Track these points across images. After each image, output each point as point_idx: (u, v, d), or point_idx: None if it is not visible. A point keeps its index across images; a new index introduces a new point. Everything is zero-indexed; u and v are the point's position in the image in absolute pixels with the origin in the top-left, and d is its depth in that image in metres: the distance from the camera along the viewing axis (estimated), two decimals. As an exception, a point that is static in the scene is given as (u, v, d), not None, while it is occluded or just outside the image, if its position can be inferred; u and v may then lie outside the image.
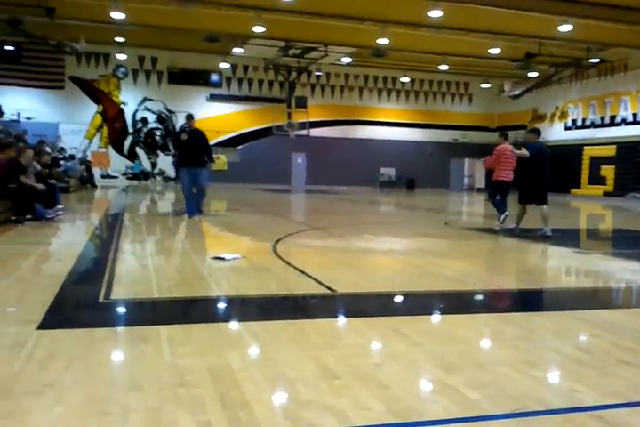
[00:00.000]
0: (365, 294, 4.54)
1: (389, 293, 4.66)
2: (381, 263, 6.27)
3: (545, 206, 8.54)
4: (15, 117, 25.12)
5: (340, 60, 26.88)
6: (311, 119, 28.92)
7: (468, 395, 2.42)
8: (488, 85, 30.93)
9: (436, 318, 3.94)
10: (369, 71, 30.64)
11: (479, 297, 4.67)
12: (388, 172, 31.46)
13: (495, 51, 22.73)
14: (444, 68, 27.31)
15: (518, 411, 2.26)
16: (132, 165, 28.40)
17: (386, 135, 31.26)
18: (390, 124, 31.58)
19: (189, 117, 10.28)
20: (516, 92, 29.24)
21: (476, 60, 26.21)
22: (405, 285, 4.99)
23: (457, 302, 4.47)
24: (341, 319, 3.76)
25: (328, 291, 4.47)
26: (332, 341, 3.18)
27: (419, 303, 4.40)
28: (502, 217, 9.45)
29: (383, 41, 21.49)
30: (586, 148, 26.96)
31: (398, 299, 4.51)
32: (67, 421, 2.11)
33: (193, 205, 10.04)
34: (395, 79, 31.26)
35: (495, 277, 5.32)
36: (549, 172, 8.85)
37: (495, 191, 10.14)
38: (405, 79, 30.88)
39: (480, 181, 32.51)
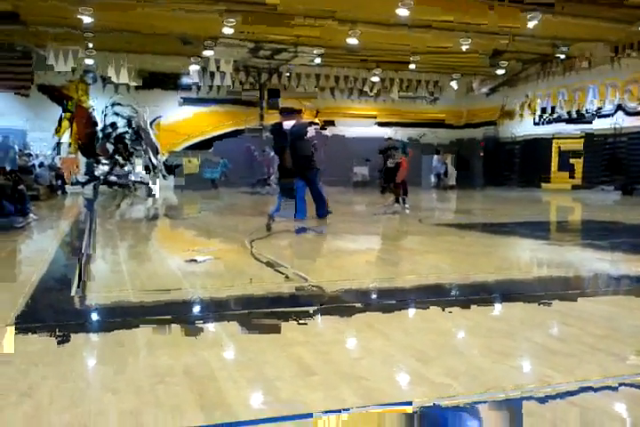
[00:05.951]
0: (343, 291, 4.57)
1: (366, 289, 4.69)
2: (358, 261, 6.30)
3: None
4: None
5: (312, 60, 26.92)
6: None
7: (443, 382, 2.46)
8: (457, 83, 31.26)
9: (413, 311, 3.98)
10: (339, 71, 30.71)
11: (454, 290, 4.73)
12: (362, 171, 31.48)
13: (464, 48, 22.97)
14: (413, 66, 27.56)
15: (490, 391, 2.31)
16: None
17: (357, 134, 31.36)
18: (361, 123, 31.71)
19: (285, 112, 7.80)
20: (485, 90, 29.63)
21: (444, 58, 26.49)
22: (382, 281, 5.03)
23: (433, 295, 4.52)
24: (319, 317, 3.77)
25: (306, 289, 4.48)
26: (310, 338, 3.19)
27: (395, 298, 4.43)
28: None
29: (352, 40, 21.59)
30: (554, 141, 27.46)
31: (375, 294, 4.54)
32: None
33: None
34: (365, 78, 31.39)
35: (470, 270, 5.40)
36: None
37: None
38: (375, 78, 31.05)
39: (451, 178, 32.72)
